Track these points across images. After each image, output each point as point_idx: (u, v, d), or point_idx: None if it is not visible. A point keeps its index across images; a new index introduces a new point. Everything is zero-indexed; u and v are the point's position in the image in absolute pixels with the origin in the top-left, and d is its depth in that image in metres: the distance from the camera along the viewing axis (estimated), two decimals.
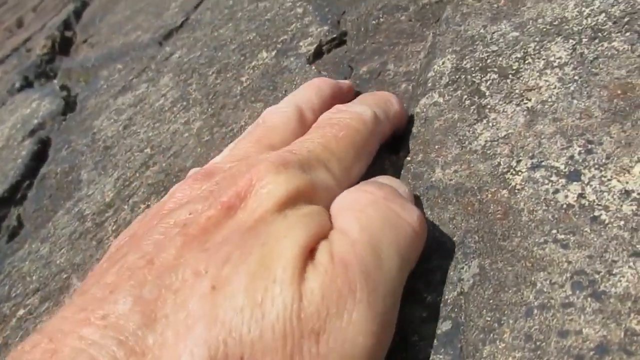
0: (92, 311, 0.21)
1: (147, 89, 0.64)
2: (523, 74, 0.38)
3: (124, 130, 0.56)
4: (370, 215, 0.25)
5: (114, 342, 0.19)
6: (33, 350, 0.20)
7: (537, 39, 0.40)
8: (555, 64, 0.37)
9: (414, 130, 0.38)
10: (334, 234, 0.25)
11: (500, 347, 0.25)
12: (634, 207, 0.26)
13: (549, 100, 0.34)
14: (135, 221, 0.30)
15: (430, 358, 0.26)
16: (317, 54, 0.54)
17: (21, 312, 0.41)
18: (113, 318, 0.20)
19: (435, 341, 0.26)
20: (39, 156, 0.61)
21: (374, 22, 0.53)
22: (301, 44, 0.55)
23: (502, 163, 0.32)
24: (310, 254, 0.23)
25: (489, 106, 0.36)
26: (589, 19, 0.39)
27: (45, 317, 0.38)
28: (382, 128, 0.34)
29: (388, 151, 0.37)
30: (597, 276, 0.25)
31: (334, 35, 0.54)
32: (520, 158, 0.32)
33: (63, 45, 0.98)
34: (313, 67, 0.51)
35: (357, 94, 0.45)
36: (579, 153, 0.30)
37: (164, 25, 0.79)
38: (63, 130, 0.64)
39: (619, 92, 0.33)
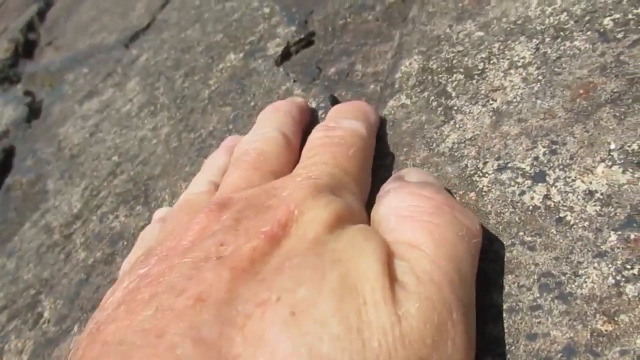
0: None
1: (114, 93, 0.63)
2: (488, 74, 0.38)
3: (91, 138, 0.55)
4: (439, 225, 0.23)
5: None
6: None
7: (501, 38, 0.40)
8: (519, 64, 0.37)
9: (382, 133, 0.38)
10: (404, 249, 0.23)
11: None
12: (598, 208, 0.27)
13: (514, 100, 0.35)
14: (134, 263, 0.25)
15: None
16: (285, 55, 0.53)
17: None
18: None
19: None
20: (3, 166, 0.59)
21: (341, 22, 0.53)
22: (269, 45, 0.55)
23: (469, 165, 0.32)
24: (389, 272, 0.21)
25: (455, 107, 0.36)
26: (551, 18, 0.39)
27: (13, 336, 0.37)
28: (373, 141, 0.34)
29: None
30: (563, 278, 0.25)
31: (302, 36, 0.54)
32: (487, 160, 0.32)
33: (27, 48, 0.96)
34: (281, 69, 0.51)
35: (325, 99, 0.45)
36: (544, 154, 0.30)
37: (129, 27, 0.78)
38: (28, 138, 0.63)
39: (581, 91, 0.33)
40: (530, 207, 0.28)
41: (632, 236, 0.25)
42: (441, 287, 0.21)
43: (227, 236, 0.23)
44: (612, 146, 0.29)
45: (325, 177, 0.27)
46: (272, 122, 0.35)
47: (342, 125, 0.32)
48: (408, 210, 0.25)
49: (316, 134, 0.33)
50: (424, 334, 0.19)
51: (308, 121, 0.39)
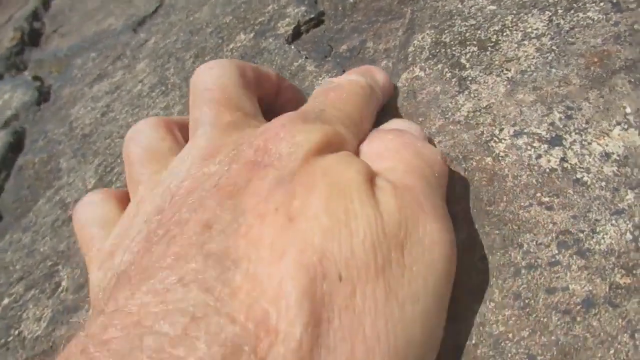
0: (162, 280, 0.20)
1: (124, 75, 0.63)
2: (502, 45, 0.38)
3: (102, 117, 0.55)
4: (405, 156, 0.27)
5: (199, 293, 0.19)
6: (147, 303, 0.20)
7: (514, 11, 0.40)
8: (533, 35, 0.37)
9: (397, 104, 0.38)
10: (381, 171, 0.26)
11: (490, 306, 0.25)
12: (615, 169, 0.27)
13: (528, 70, 0.35)
14: (140, 215, 0.27)
15: None
16: (296, 34, 0.53)
17: (6, 300, 0.40)
18: (189, 276, 0.20)
19: None
20: (15, 147, 0.60)
21: (351, 0, 0.53)
22: (279, 24, 0.55)
23: (485, 132, 0.33)
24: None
25: (469, 78, 0.37)
26: None
27: (31, 305, 0.37)
28: (376, 95, 0.34)
29: (373, 125, 0.38)
30: (581, 235, 0.26)
31: (312, 16, 0.54)
32: (503, 126, 0.32)
33: (32, 37, 0.96)
34: (293, 47, 0.51)
35: (338, 73, 0.45)
36: (560, 119, 0.31)
37: (136, 13, 0.78)
38: (38, 121, 0.63)
39: (595, 59, 0.34)
40: (547, 170, 0.29)
41: None
42: (412, 189, 0.25)
43: (223, 168, 0.25)
44: (628, 110, 0.30)
45: (316, 111, 0.29)
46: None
47: (344, 78, 0.33)
48: (379, 150, 0.28)
49: (319, 88, 0.34)
50: (400, 222, 0.22)
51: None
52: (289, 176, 0.24)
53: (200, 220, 0.22)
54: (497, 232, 0.28)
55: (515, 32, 0.39)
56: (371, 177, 0.25)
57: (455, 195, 0.30)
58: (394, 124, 0.33)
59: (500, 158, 0.31)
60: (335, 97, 0.31)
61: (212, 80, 0.30)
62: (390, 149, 0.28)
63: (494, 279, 0.26)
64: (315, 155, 0.25)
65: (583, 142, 0.29)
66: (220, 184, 0.24)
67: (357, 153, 0.29)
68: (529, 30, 0.38)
